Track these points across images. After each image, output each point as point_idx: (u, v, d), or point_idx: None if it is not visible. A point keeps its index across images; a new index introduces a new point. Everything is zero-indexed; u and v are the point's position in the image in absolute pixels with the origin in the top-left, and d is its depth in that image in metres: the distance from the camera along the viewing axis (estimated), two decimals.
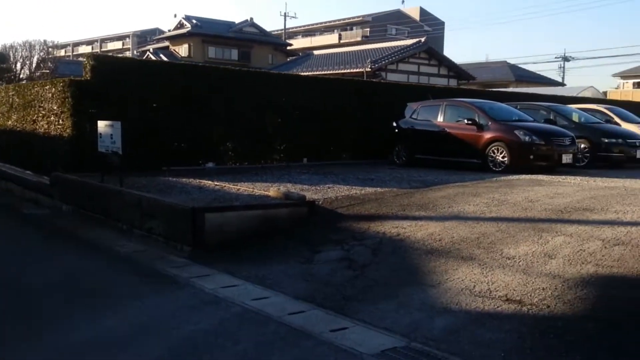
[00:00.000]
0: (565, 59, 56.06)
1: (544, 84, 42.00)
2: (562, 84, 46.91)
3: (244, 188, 9.26)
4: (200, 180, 10.00)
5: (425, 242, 6.56)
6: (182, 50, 51.87)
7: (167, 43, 55.43)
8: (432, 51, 34.25)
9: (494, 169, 11.76)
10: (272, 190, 8.75)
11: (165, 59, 43.05)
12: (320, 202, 8.34)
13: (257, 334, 4.51)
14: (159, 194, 8.54)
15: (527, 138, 11.59)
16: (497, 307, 4.85)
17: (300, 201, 8.14)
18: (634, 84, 44.77)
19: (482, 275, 5.50)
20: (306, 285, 5.74)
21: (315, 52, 41.76)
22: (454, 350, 4.18)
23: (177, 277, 6.10)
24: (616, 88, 44.97)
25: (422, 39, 34.15)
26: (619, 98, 31.98)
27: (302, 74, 23.94)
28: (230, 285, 5.77)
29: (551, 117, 14.02)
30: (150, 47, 57.11)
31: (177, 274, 6.21)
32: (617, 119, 15.70)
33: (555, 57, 75.30)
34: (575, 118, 14.48)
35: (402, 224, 7.25)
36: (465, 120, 12.32)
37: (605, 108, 16.63)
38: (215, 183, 9.72)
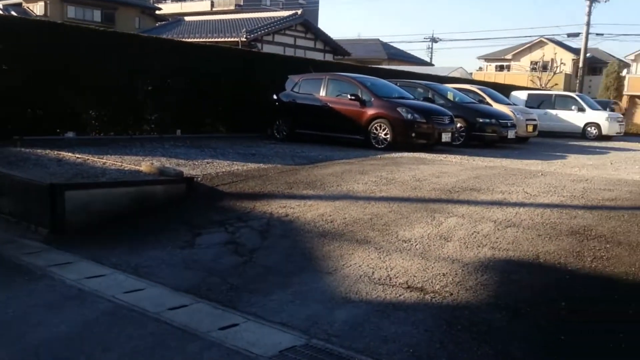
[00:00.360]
0: (434, 40, 58.33)
1: (414, 63, 43.26)
2: (430, 64, 48.71)
3: (112, 162, 8.29)
4: (59, 152, 8.84)
5: (316, 223, 6.12)
6: (37, 8, 47.36)
7: (19, 0, 50.43)
8: (308, 24, 33.79)
9: (376, 145, 11.60)
10: (145, 164, 7.89)
11: None
12: (200, 179, 7.64)
13: (131, 337, 3.81)
14: (9, 167, 7.37)
15: (409, 116, 11.52)
16: (400, 295, 4.51)
17: (178, 177, 7.39)
18: (496, 66, 47.46)
19: (380, 261, 5.15)
20: (188, 273, 5.09)
21: (187, 19, 39.80)
22: (358, 347, 3.78)
23: (31, 265, 5.18)
24: (479, 70, 47.48)
25: (299, 11, 33.49)
26: (482, 79, 33.59)
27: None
28: (97, 275, 4.98)
29: (430, 96, 14.14)
30: (0, 4, 51.70)
31: (31, 261, 5.28)
32: (488, 100, 16.21)
33: (424, 38, 79.15)
34: (451, 97, 14.73)
35: (290, 204, 6.76)
36: (349, 96, 12.02)
37: (478, 89, 17.14)
38: (77, 155, 8.64)
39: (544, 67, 38.64)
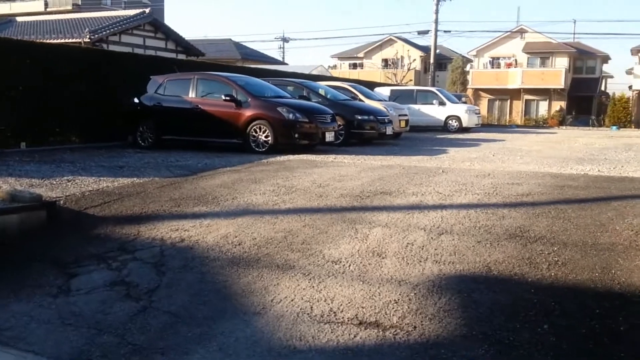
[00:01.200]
0: (285, 39, 58.18)
1: (269, 63, 42.50)
2: (284, 63, 48.32)
3: None
4: None
5: (222, 248, 5.09)
6: None
7: None
8: (157, 24, 31.80)
9: (257, 149, 10.66)
10: None
11: None
12: (63, 202, 6.25)
13: None
14: None
15: (291, 115, 10.71)
16: (355, 336, 3.65)
17: (35, 202, 5.95)
18: (349, 64, 48.18)
19: (314, 290, 4.26)
20: (69, 333, 3.85)
21: (19, 19, 35.99)
22: None
23: None
24: (333, 67, 47.94)
25: (147, 10, 31.43)
26: (339, 77, 33.66)
27: None
28: None
29: (304, 94, 13.45)
30: None
31: None
32: (361, 96, 15.89)
33: (275, 37, 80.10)
34: (325, 94, 14.16)
35: (184, 225, 5.65)
36: (223, 96, 10.95)
37: (350, 85, 16.79)
38: None
39: (394, 64, 39.78)
